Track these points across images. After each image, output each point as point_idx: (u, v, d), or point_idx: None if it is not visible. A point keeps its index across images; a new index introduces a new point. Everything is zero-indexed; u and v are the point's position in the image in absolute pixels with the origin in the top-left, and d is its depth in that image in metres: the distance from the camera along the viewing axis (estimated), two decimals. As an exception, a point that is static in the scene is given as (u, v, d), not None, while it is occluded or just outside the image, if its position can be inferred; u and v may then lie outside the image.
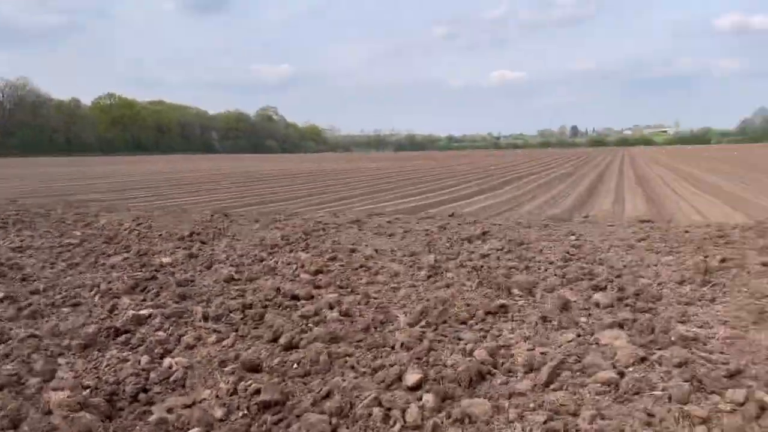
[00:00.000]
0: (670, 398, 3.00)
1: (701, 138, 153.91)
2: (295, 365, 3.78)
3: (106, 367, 3.66)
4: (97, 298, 5.51)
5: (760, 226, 9.74)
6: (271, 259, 7.61)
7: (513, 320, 4.68)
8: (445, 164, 47.17)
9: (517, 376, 3.54)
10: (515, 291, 5.56)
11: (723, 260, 6.59)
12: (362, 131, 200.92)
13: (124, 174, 37.62)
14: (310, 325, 4.65)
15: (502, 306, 4.94)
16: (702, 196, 17.98)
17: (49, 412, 2.73)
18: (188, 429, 2.75)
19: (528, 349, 3.90)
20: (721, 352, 3.74)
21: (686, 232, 9.38)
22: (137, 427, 2.66)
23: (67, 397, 2.85)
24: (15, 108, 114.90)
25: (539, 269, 6.68)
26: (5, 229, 10.89)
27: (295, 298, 5.50)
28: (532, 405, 3.15)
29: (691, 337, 3.99)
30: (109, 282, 6.14)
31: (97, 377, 3.54)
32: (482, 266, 6.74)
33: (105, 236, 9.69)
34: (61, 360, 3.81)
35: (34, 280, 6.50)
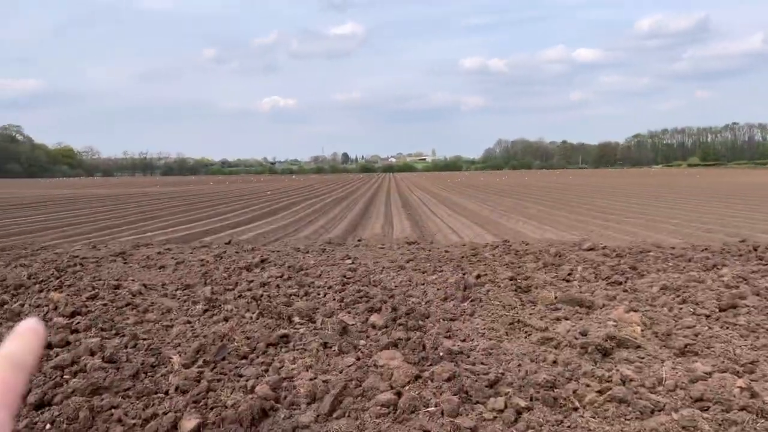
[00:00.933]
0: (443, 413, 3.21)
1: (454, 165, 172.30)
2: (49, 426, 3.26)
3: None
4: None
5: (505, 245, 11.14)
6: (15, 302, 6.58)
7: (295, 349, 4.64)
8: (218, 189, 45.83)
9: (300, 408, 3.49)
10: (296, 319, 5.54)
11: (478, 276, 7.37)
12: (126, 154, 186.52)
13: None
14: (66, 376, 4.08)
15: (284, 336, 4.87)
16: (456, 218, 20.04)
17: None
18: None
19: (310, 379, 3.89)
20: (482, 363, 4.13)
21: (446, 251, 10.32)
22: None
23: None
24: None
25: (318, 295, 6.77)
26: None
27: (48, 346, 4.80)
28: (314, 436, 3.12)
29: (456, 351, 4.35)
30: None
31: None
32: (262, 295, 6.61)
33: None
34: None
35: None
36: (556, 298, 6.17)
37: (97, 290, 7.08)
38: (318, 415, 3.35)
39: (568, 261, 8.74)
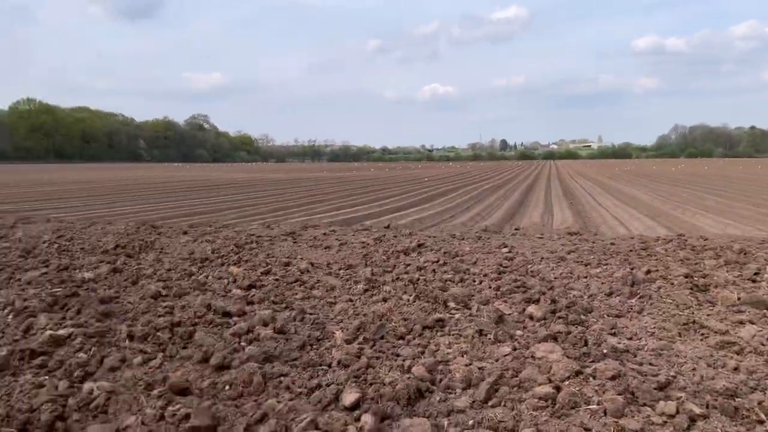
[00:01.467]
0: (605, 412, 3.04)
1: (622, 152, 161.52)
2: (227, 387, 3.61)
3: (19, 393, 3.37)
4: (10, 317, 5.12)
5: (680, 239, 10.23)
6: (200, 274, 7.34)
7: (450, 334, 4.67)
8: (379, 176, 47.35)
9: (455, 393, 3.51)
10: (451, 304, 5.56)
11: (648, 272, 6.86)
12: (297, 141, 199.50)
13: (45, 183, 35.70)
14: (242, 343, 4.48)
15: (439, 320, 4.92)
16: (624, 208, 18.80)
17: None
18: (110, 461, 2.55)
19: (466, 364, 3.89)
20: (651, 364, 3.84)
21: (612, 244, 9.73)
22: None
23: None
24: None
25: (474, 282, 6.74)
26: None
27: (227, 315, 5.30)
28: (471, 422, 3.12)
29: (622, 349, 4.09)
30: (25, 299, 5.73)
31: (9, 405, 3.25)
32: (419, 279, 6.73)
33: (21, 249, 9.09)
34: (-34, 387, 3.49)
35: (-62, 299, 6.00)
36: (739, 299, 5.55)
37: (270, 266, 7.67)
38: (473, 401, 3.34)
39: (755, 259, 7.81)
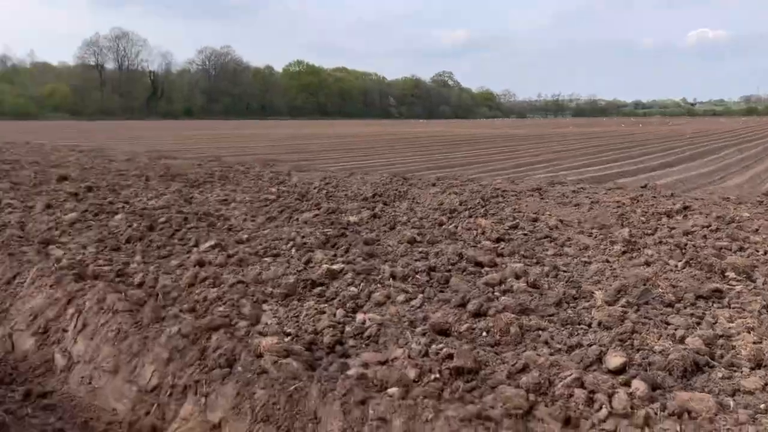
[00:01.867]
0: None
1: None
2: (484, 333, 3.67)
3: (305, 317, 3.85)
4: (293, 251, 5.86)
5: None
6: (450, 224, 7.57)
7: (730, 307, 4.12)
8: (630, 131, 43.74)
9: (741, 372, 3.09)
10: (730, 274, 4.91)
11: None
12: (539, 96, 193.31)
13: (311, 137, 40.09)
14: (496, 293, 4.51)
15: (716, 290, 4.38)
16: None
17: (260, 356, 2.92)
18: (386, 387, 2.77)
19: (753, 342, 3.40)
20: None
21: None
22: (339, 380, 2.73)
23: (275, 343, 3.02)
24: (218, 75, 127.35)
25: (757, 251, 5.85)
26: (212, 184, 12.08)
27: (479, 264, 5.38)
28: (763, 406, 2.72)
29: None
30: (303, 236, 6.50)
31: (297, 326, 3.73)
32: (686, 244, 6.06)
33: (297, 193, 10.34)
34: (265, 306, 4.08)
35: (239, 231, 7.12)
36: None
37: (517, 221, 7.59)
38: (765, 384, 2.91)
39: None
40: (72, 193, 9.97)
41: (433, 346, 3.31)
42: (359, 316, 3.81)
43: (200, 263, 5.32)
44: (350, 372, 2.89)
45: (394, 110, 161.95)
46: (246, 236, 6.64)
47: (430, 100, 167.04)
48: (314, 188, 11.24)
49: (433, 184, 11.87)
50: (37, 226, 7.16)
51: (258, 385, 2.71)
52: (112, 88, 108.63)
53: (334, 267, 4.91)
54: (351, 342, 3.50)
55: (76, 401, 3.29)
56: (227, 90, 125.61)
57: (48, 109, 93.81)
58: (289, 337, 3.47)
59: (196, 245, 6.18)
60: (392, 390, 2.68)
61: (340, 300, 4.26)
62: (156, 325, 3.38)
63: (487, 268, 5.26)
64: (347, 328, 3.63)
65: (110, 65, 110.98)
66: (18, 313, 4.12)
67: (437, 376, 3.06)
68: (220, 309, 4.02)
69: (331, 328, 3.59)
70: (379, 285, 4.57)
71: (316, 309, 3.95)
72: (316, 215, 8.15)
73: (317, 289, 4.51)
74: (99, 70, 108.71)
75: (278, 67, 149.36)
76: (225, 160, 18.58)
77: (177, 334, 3.20)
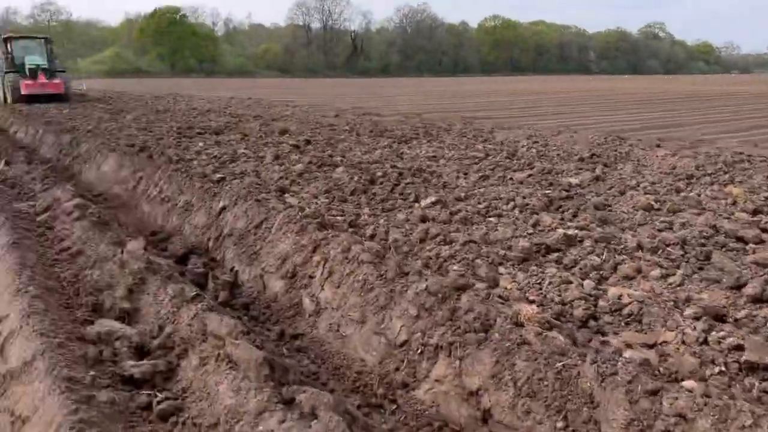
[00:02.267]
0: None
1: None
2: (768, 323, 3.10)
3: (548, 285, 3.58)
4: (516, 212, 5.58)
5: None
6: (690, 191, 6.71)
7: None
8: None
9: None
10: None
11: None
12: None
13: (508, 93, 39.00)
14: (774, 276, 3.82)
15: None
16: None
17: (519, 324, 2.73)
18: (677, 378, 2.42)
19: None
20: None
21: None
22: (619, 363, 2.44)
23: (537, 313, 2.81)
24: (414, 33, 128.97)
25: None
26: (418, 140, 12.17)
27: (740, 240, 4.64)
28: None
29: None
30: (524, 197, 6.19)
31: (541, 294, 3.48)
32: None
33: (506, 152, 9.98)
34: (501, 269, 3.89)
35: (454, 188, 7.01)
36: None
37: (775, 189, 6.51)
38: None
39: None
40: (294, 145, 10.65)
41: (713, 334, 2.84)
42: (612, 290, 3.44)
43: (424, 219, 5.28)
44: (627, 355, 2.57)
45: (593, 65, 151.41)
46: (463, 194, 6.50)
47: (636, 53, 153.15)
48: (522, 147, 10.78)
49: (658, 146, 10.73)
50: (270, 175, 7.71)
51: (519, 357, 2.53)
52: (317, 47, 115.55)
53: (570, 232, 4.54)
54: (606, 318, 3.16)
55: (325, 347, 3.41)
56: (422, 47, 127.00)
57: (261, 67, 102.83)
58: (536, 306, 3.22)
59: (416, 200, 6.17)
60: (689, 384, 2.32)
61: (581, 269, 3.91)
62: (401, 279, 3.35)
63: (752, 245, 4.51)
64: (601, 303, 3.29)
65: (316, 25, 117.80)
66: (268, 255, 4.41)
67: (722, 369, 2.62)
68: (455, 268, 3.91)
69: (583, 301, 3.28)
70: (625, 256, 4.12)
71: (560, 278, 3.65)
72: (530, 175, 7.76)
73: (553, 255, 4.20)
74: (306, 29, 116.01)
75: (473, 23, 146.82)
76: (425, 117, 18.71)
77: (424, 291, 3.13)
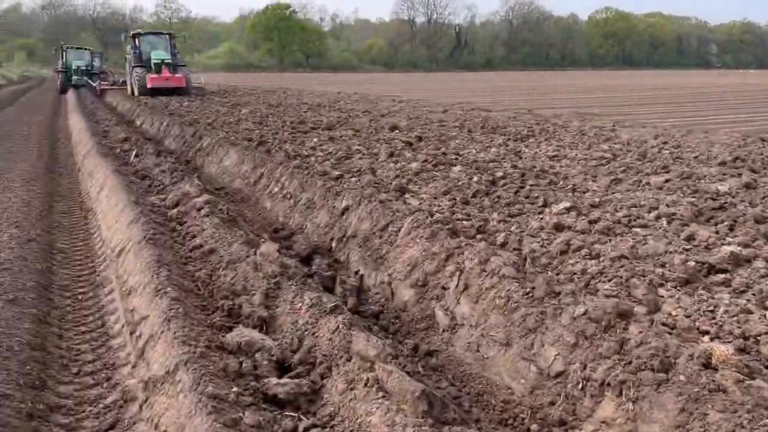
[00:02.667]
0: None
1: None
2: None
3: (724, 313, 3.11)
4: (663, 222, 5.04)
5: None
6: None
7: None
8: None
9: None
10: None
11: None
12: None
13: (623, 88, 36.94)
14: None
15: None
16: None
17: (710, 367, 2.33)
18: None
19: None
20: None
21: None
22: None
23: (732, 354, 2.39)
24: (520, 25, 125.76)
25: None
26: (534, 138, 11.61)
27: None
28: None
29: None
30: (667, 205, 5.61)
31: (716, 324, 3.01)
32: None
33: (636, 153, 9.26)
34: (662, 291, 3.44)
35: (584, 192, 6.50)
36: None
37: None
38: None
39: None
40: (406, 142, 10.46)
41: None
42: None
43: (559, 227, 4.88)
44: None
45: (714, 59, 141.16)
46: (597, 200, 6.00)
47: (764, 46, 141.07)
48: (652, 147, 9.98)
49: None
50: (386, 173, 7.55)
51: (713, 406, 2.13)
52: (420, 41, 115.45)
53: (735, 250, 3.98)
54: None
55: (464, 368, 3.14)
56: (527, 40, 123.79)
57: (365, 61, 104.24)
58: (731, 347, 2.76)
59: (545, 205, 5.76)
60: None
61: (757, 295, 3.38)
62: (552, 300, 3.01)
63: None
64: (799, 341, 2.78)
65: (420, 19, 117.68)
66: (395, 261, 4.20)
67: None
68: (606, 287, 3.51)
69: (771, 336, 2.79)
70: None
71: (737, 306, 3.16)
72: (668, 180, 7.08)
73: (719, 277, 3.68)
74: (411, 24, 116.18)
75: (583, 15, 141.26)
76: (538, 113, 17.96)
77: (583, 316, 2.78)
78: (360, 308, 3.79)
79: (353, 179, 6.85)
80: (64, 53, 34.84)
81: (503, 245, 4.42)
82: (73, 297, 3.95)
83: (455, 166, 7.98)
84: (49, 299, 3.72)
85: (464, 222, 4.93)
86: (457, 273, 3.59)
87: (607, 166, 8.16)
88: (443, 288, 3.68)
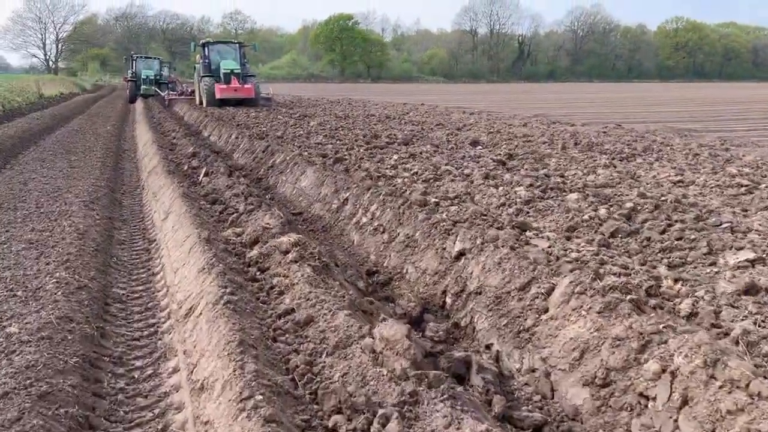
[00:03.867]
0: None
1: None
2: None
3: None
4: None
5: None
6: None
7: None
8: None
9: None
10: None
11: None
12: None
13: (710, 101, 34.58)
14: None
15: None
16: None
17: None
18: None
19: None
20: None
21: None
22: None
23: None
24: (586, 36, 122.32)
25: None
26: (643, 158, 10.24)
27: None
28: None
29: None
30: None
31: None
32: None
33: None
34: None
35: (743, 232, 5.21)
36: None
37: None
38: None
39: None
40: (498, 161, 9.31)
41: None
42: None
43: (753, 289, 3.64)
44: None
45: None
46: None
47: None
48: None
49: None
50: (488, 199, 6.45)
51: None
52: (482, 52, 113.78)
53: None
54: None
55: None
56: (593, 50, 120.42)
57: (426, 72, 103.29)
58: None
59: (711, 251, 4.51)
60: None
61: None
62: None
63: None
64: None
65: (482, 30, 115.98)
66: (550, 339, 3.08)
67: None
68: None
69: None
70: None
71: None
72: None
73: None
74: (472, 34, 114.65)
75: (651, 25, 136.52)
76: (628, 128, 16.42)
77: None
78: (511, 413, 2.67)
79: (453, 208, 5.77)
80: (134, 62, 35.18)
81: (689, 316, 3.24)
82: (127, 378, 3.00)
83: (568, 192, 6.79)
84: (95, 385, 2.79)
85: (620, 277, 3.75)
86: (668, 377, 2.45)
87: (752, 197, 6.80)
88: (642, 396, 2.53)
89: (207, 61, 24.89)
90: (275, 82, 64.43)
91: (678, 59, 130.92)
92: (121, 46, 79.47)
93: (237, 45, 26.34)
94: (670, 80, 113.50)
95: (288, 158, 8.63)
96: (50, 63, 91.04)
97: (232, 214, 5.46)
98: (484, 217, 5.36)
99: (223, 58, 24.71)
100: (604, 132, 14.92)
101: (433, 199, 6.09)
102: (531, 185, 7.05)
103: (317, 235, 6.01)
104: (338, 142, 11.84)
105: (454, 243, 4.37)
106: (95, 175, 7.86)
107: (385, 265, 4.90)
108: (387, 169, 8.46)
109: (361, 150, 10.64)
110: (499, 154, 10.11)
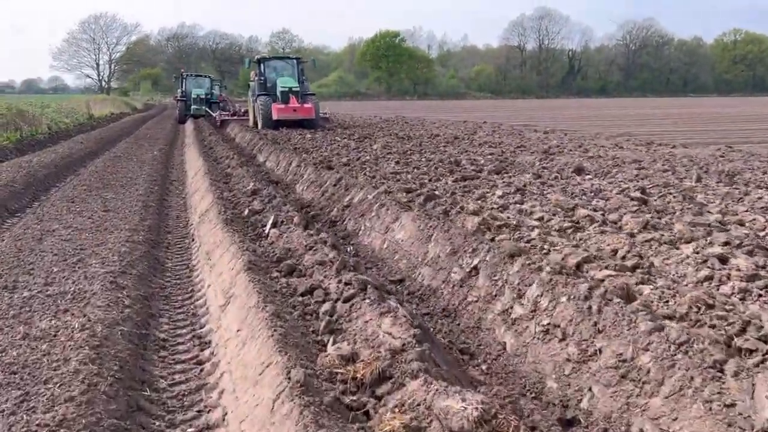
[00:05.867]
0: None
1: None
2: None
3: None
4: None
5: None
6: None
7: None
8: None
9: None
10: None
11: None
12: None
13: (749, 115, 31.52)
14: None
15: None
16: None
17: None
18: None
19: None
20: None
21: None
22: None
23: None
24: (639, 50, 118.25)
25: None
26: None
27: None
28: None
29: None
30: None
31: None
32: None
33: None
34: None
35: None
36: None
37: None
38: None
39: None
40: (636, 198, 7.27)
41: None
42: None
43: None
44: None
45: None
46: None
47: None
48: None
49: None
50: (673, 268, 4.49)
51: None
52: (531, 67, 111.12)
53: None
54: None
55: None
56: (646, 64, 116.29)
57: (473, 88, 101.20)
58: None
59: None
60: None
61: None
62: None
63: None
64: None
65: (531, 45, 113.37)
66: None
67: None
68: None
69: None
70: None
71: None
72: None
73: None
74: (521, 49, 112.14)
75: (707, 38, 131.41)
76: (741, 148, 14.07)
77: None
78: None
79: (646, 290, 3.83)
80: (183, 81, 33.74)
81: None
82: None
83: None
84: None
85: None
86: None
87: None
88: None
89: (263, 78, 22.38)
90: (323, 101, 63.46)
91: (736, 72, 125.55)
92: (171, 66, 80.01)
93: (295, 60, 23.63)
94: (728, 94, 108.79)
95: (371, 197, 6.78)
96: (103, 83, 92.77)
97: (322, 302, 3.57)
98: (718, 315, 3.36)
99: (279, 75, 22.25)
100: (722, 155, 12.69)
101: (598, 275, 4.14)
102: (727, 243, 5.01)
103: (436, 324, 4.11)
104: (416, 170, 10.01)
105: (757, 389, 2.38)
106: (133, 223, 6.16)
107: (585, 408, 2.91)
108: (496, 209, 6.56)
109: (449, 182, 8.77)
110: (628, 188, 8.10)
